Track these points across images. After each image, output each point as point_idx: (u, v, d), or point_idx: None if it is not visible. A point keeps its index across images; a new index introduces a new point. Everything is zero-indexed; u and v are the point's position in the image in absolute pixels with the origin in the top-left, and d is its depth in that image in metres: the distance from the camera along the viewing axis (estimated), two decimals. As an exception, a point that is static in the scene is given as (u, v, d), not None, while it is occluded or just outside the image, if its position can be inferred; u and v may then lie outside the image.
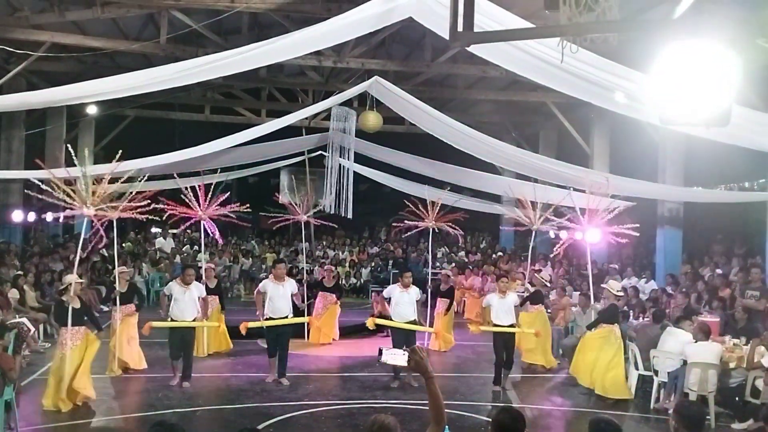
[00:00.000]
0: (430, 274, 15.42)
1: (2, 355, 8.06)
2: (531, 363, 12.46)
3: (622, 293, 11.78)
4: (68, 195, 9.63)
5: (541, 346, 12.43)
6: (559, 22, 4.96)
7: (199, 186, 13.59)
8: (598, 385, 10.41)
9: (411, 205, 14.55)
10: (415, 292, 11.36)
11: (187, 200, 13.50)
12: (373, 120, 14.91)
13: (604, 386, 10.34)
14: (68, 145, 11.36)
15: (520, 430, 3.82)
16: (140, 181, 11.05)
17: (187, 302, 10.75)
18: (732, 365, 9.53)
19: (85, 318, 9.75)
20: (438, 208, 14.50)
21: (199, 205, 13.58)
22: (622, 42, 5.41)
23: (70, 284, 9.55)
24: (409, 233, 15.29)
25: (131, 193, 10.73)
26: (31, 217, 20.62)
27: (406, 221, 14.89)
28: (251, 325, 11.19)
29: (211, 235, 14.22)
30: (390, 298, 11.36)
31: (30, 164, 19.35)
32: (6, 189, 19.46)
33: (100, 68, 15.69)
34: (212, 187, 13.88)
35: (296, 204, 15.66)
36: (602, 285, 11.10)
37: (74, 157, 9.55)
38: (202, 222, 13.88)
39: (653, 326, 10.97)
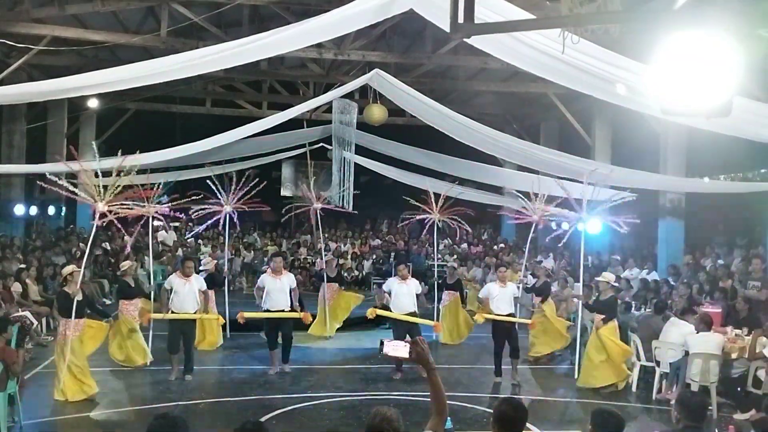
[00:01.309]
0: (436, 266, 15.44)
1: (5, 348, 8.07)
2: (538, 356, 12.44)
3: (617, 284, 11.77)
4: (84, 190, 9.84)
5: (552, 334, 12.44)
6: (561, 12, 4.95)
7: (226, 175, 13.62)
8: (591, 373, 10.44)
9: (413, 200, 14.62)
10: (414, 284, 11.40)
11: (212, 192, 13.57)
12: (378, 113, 14.89)
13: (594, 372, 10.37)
14: (93, 143, 11.36)
15: (521, 421, 3.82)
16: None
17: (187, 294, 10.76)
18: (734, 356, 9.55)
19: (87, 311, 9.83)
20: (442, 201, 14.55)
21: (222, 196, 13.60)
22: (623, 32, 5.40)
23: (71, 275, 9.61)
24: (421, 226, 15.33)
25: (158, 187, 10.91)
26: (33, 210, 20.67)
27: (416, 216, 14.95)
28: (248, 315, 11.23)
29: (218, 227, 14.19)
30: (390, 291, 11.37)
31: (31, 158, 19.44)
32: (8, 183, 19.50)
33: (101, 62, 15.65)
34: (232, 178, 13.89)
35: (307, 194, 15.62)
36: (596, 278, 11.07)
37: (96, 154, 9.73)
38: (227, 215, 13.89)
39: (655, 317, 10.98)
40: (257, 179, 13.86)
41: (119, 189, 9.91)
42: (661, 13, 4.43)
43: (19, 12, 13.51)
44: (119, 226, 10.70)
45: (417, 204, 14.76)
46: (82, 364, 9.43)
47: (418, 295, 11.40)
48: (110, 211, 9.85)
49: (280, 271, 11.22)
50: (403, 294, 11.21)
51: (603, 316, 10.42)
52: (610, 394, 10.10)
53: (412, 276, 12.28)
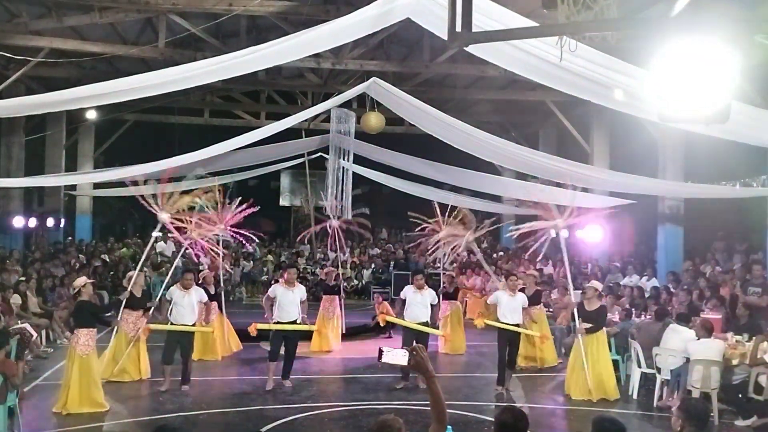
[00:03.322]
0: (441, 275, 15.35)
1: (5, 361, 8.04)
2: (525, 365, 12.40)
3: (604, 293, 11.72)
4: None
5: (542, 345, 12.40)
6: (558, 20, 4.96)
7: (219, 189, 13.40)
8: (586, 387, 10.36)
9: (421, 216, 14.51)
10: (429, 294, 11.35)
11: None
12: (375, 121, 14.86)
13: (592, 386, 10.29)
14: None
15: (522, 430, 3.81)
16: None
17: (186, 306, 10.78)
18: (735, 362, 9.52)
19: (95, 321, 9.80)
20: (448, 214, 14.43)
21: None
22: (621, 40, 5.41)
23: (83, 287, 9.60)
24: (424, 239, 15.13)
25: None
26: (32, 222, 20.65)
27: (424, 233, 14.81)
28: (260, 326, 11.17)
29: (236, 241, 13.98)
30: (405, 299, 11.36)
31: (30, 170, 19.46)
32: (7, 195, 19.50)
33: (99, 73, 15.71)
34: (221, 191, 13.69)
35: (324, 209, 15.57)
36: (585, 285, 11.04)
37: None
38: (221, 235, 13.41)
39: (655, 324, 10.95)
40: (250, 186, 13.60)
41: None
42: (659, 20, 4.44)
43: (17, 24, 13.56)
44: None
45: (424, 220, 14.54)
46: (97, 379, 9.45)
47: (433, 306, 11.38)
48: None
49: (293, 283, 11.22)
50: (416, 303, 11.19)
51: (590, 325, 10.39)
52: (610, 402, 10.07)
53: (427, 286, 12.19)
